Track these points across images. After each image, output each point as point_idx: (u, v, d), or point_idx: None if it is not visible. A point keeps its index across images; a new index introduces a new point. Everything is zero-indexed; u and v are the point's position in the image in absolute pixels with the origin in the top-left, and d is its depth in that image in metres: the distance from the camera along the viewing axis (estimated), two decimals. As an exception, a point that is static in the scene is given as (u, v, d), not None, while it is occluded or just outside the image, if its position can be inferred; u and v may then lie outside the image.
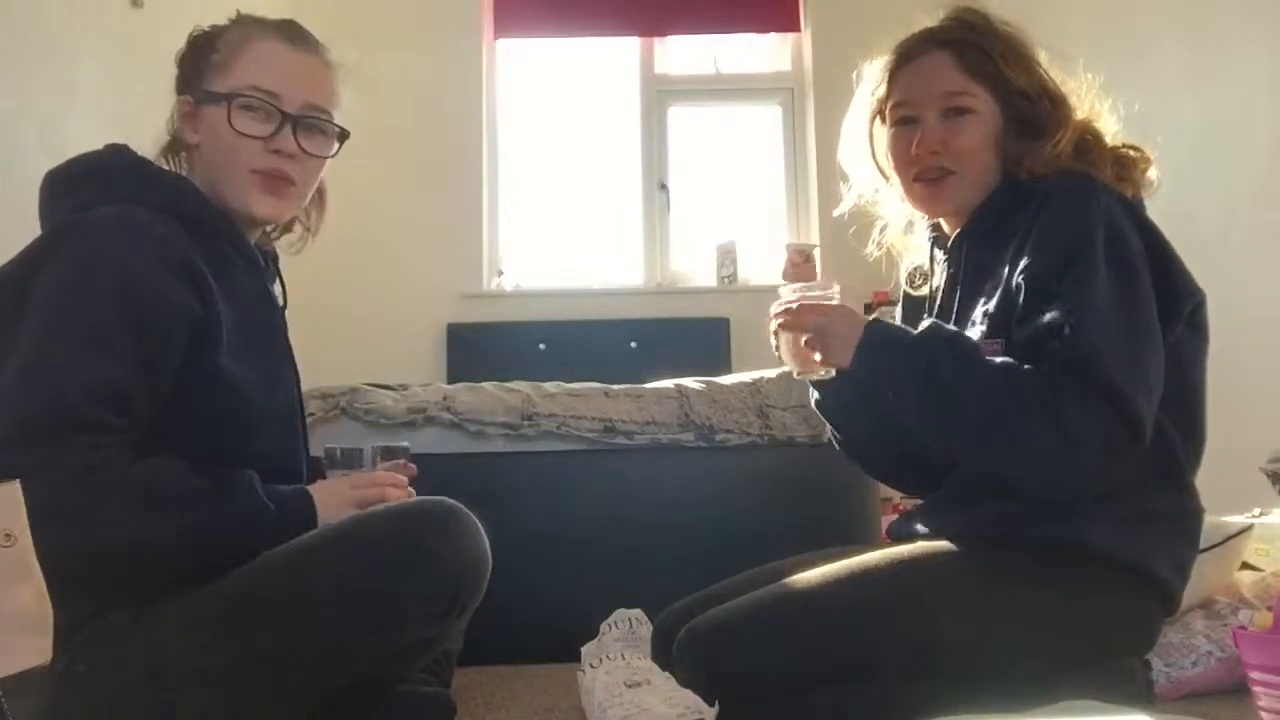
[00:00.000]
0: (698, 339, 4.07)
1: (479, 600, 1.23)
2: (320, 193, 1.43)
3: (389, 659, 1.17)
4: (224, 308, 1.21)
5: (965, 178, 1.38)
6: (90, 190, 1.22)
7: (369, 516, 1.16)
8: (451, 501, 1.20)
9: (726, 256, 4.33)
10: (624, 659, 1.50)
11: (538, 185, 4.48)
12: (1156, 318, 1.23)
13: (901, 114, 1.41)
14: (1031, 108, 1.36)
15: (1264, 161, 2.62)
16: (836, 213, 1.57)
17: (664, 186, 4.43)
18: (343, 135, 1.36)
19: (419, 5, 4.25)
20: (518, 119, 4.49)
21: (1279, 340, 2.54)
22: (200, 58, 1.31)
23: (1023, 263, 1.27)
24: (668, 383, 2.31)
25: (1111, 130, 1.40)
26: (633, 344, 4.07)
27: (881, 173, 1.49)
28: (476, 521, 1.20)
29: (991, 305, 1.31)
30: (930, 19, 1.43)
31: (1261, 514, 1.96)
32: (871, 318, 1.30)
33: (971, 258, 1.40)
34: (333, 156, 1.36)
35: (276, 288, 1.39)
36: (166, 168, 1.31)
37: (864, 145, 1.49)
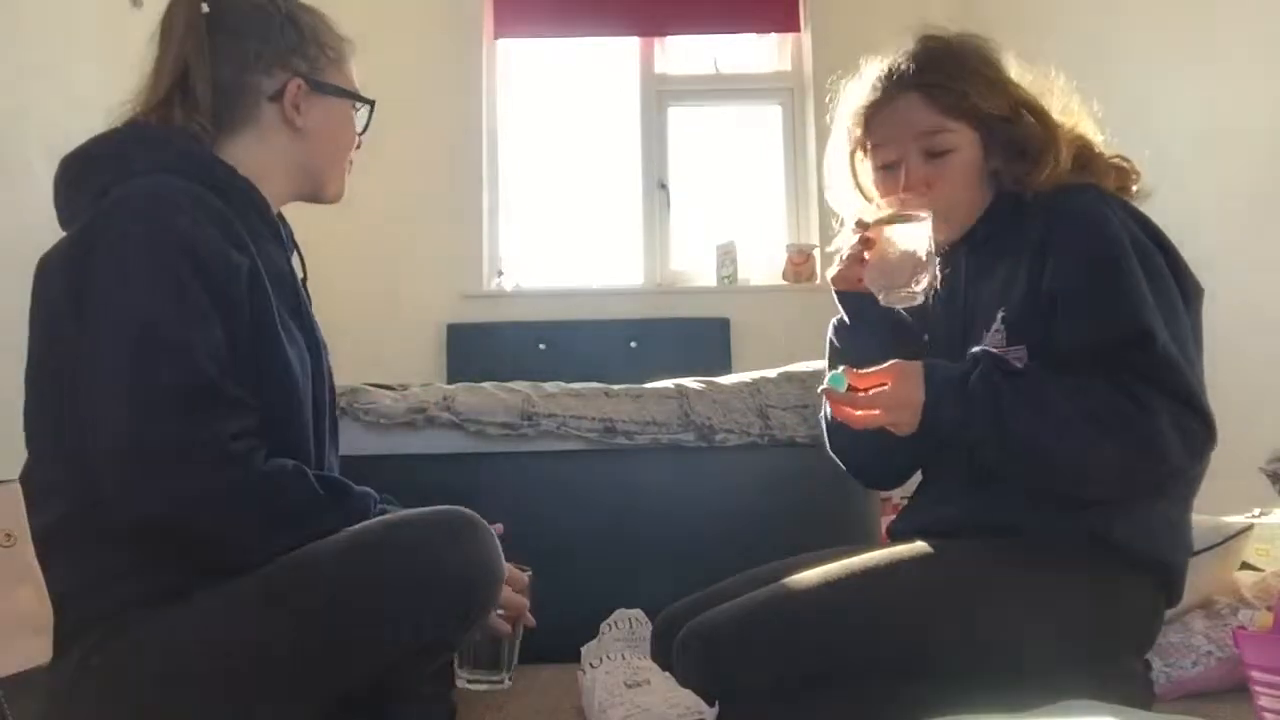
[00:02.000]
0: (698, 339, 4.07)
1: (491, 611, 1.22)
2: None
3: (397, 666, 1.17)
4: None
5: (955, 213, 1.39)
6: (116, 168, 1.21)
7: (383, 525, 1.15)
8: (468, 512, 1.19)
9: (726, 256, 4.32)
10: (624, 659, 1.50)
11: (538, 185, 4.48)
12: (1187, 316, 1.26)
13: (883, 158, 1.41)
14: (1012, 129, 1.36)
15: (1264, 161, 2.62)
16: (830, 249, 1.57)
17: (664, 186, 4.43)
18: None
19: (419, 5, 4.25)
20: (518, 119, 4.49)
21: (1279, 340, 2.54)
22: (314, 45, 1.35)
23: (1053, 277, 1.27)
24: (668, 383, 2.31)
25: (1094, 135, 1.41)
26: (633, 344, 4.07)
27: (867, 199, 1.47)
28: (491, 532, 1.19)
29: (1010, 314, 1.31)
30: (910, 42, 1.41)
31: (1261, 514, 1.96)
32: (925, 369, 1.25)
33: (971, 262, 1.41)
34: None
35: (295, 260, 1.40)
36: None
37: (848, 177, 1.49)
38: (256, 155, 1.31)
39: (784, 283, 4.27)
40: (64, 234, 1.23)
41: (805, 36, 4.42)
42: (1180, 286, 1.28)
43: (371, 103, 1.41)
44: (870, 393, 1.25)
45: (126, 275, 1.12)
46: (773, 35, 4.54)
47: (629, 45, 4.52)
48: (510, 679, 1.38)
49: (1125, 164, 1.40)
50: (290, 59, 1.33)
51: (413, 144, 3.97)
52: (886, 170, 1.41)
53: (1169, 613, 1.66)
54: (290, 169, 1.35)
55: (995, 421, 1.22)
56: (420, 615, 1.10)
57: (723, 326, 4.13)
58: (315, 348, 1.32)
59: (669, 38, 4.52)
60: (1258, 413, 2.45)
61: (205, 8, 1.29)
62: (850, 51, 1.50)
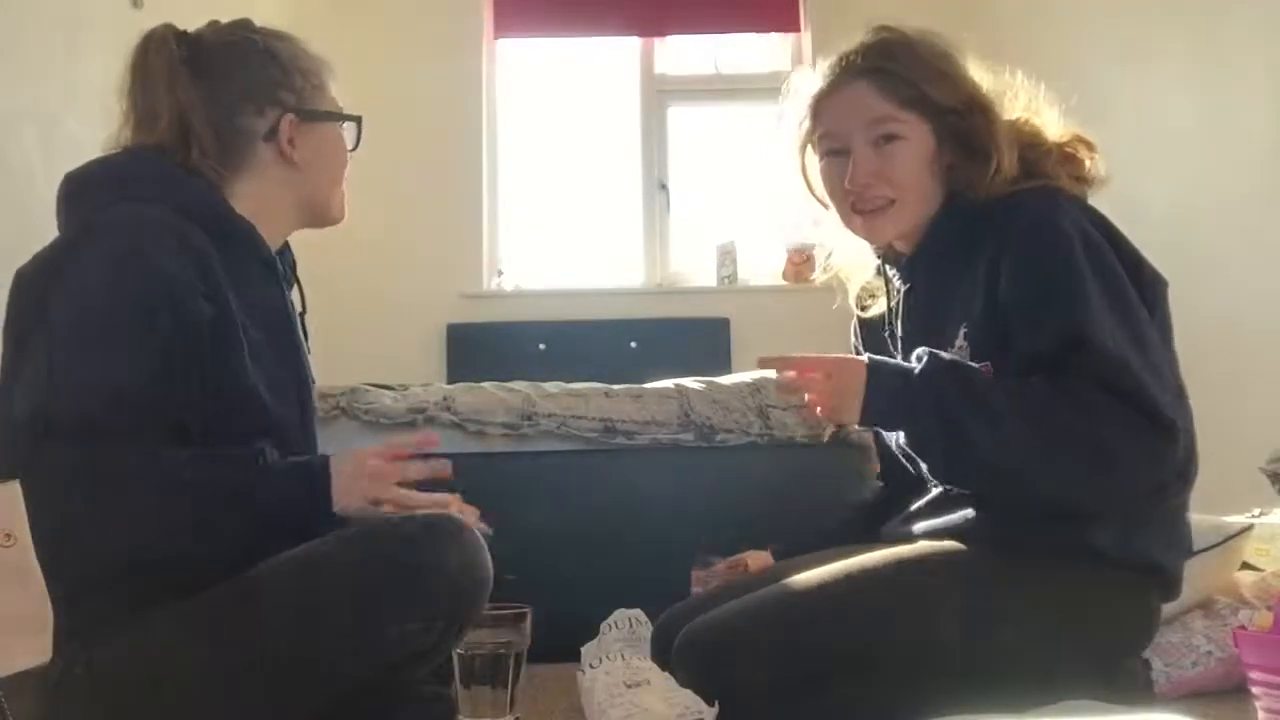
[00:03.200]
0: (698, 339, 4.07)
1: (478, 619, 1.22)
2: None
3: (388, 670, 1.16)
4: (239, 314, 1.21)
5: (906, 204, 1.35)
6: (111, 192, 1.21)
7: (373, 530, 1.15)
8: (455, 518, 1.18)
9: (726, 256, 4.33)
10: (623, 659, 1.50)
11: (538, 185, 4.48)
12: (1146, 315, 1.23)
13: (830, 145, 1.37)
14: (963, 123, 1.33)
15: (1263, 161, 2.62)
16: (789, 246, 1.56)
17: (664, 186, 4.43)
18: None
19: (419, 5, 4.25)
20: (518, 119, 4.49)
21: (1278, 340, 2.54)
22: (297, 77, 1.32)
23: (1006, 286, 1.25)
24: (668, 383, 2.32)
25: (1052, 122, 1.37)
26: (633, 344, 4.07)
27: (820, 202, 1.45)
28: (479, 538, 1.19)
29: (972, 328, 1.28)
30: (866, 34, 1.40)
31: (1261, 514, 1.96)
32: (868, 361, 1.27)
33: (929, 273, 1.38)
34: None
35: (295, 293, 1.39)
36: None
37: (798, 178, 1.45)
38: (258, 195, 1.30)
39: (784, 283, 4.26)
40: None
41: (805, 36, 4.42)
42: (1139, 282, 1.25)
43: (358, 119, 1.38)
44: (813, 356, 1.28)
45: (82, 292, 1.13)
46: (773, 35, 4.54)
47: (629, 45, 4.52)
48: None
49: (1077, 147, 1.35)
50: (278, 94, 1.30)
51: (413, 144, 3.97)
52: (834, 158, 1.36)
53: (1169, 613, 1.66)
54: (293, 203, 1.34)
55: (940, 418, 1.20)
56: (406, 621, 1.09)
57: (723, 326, 4.13)
58: (303, 382, 1.32)
59: (669, 38, 4.52)
60: (1258, 413, 2.45)
61: (176, 49, 1.27)
62: (850, 51, 1.50)
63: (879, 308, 1.50)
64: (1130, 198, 2.93)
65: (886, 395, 1.24)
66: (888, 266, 1.46)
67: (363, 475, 1.17)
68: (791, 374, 1.29)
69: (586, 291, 4.32)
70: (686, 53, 4.56)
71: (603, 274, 4.43)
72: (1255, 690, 1.33)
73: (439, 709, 1.34)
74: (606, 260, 4.47)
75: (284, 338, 1.30)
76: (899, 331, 1.42)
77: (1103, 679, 1.25)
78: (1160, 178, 2.89)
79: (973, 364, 1.25)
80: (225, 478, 1.14)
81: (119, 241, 1.15)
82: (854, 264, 1.52)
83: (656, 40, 4.51)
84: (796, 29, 4.44)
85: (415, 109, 4.06)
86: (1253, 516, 1.93)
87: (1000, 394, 1.20)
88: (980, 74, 1.38)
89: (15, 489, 0.88)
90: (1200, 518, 1.78)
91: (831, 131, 1.37)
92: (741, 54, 4.59)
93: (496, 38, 4.43)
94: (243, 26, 1.34)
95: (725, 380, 2.33)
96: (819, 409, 1.28)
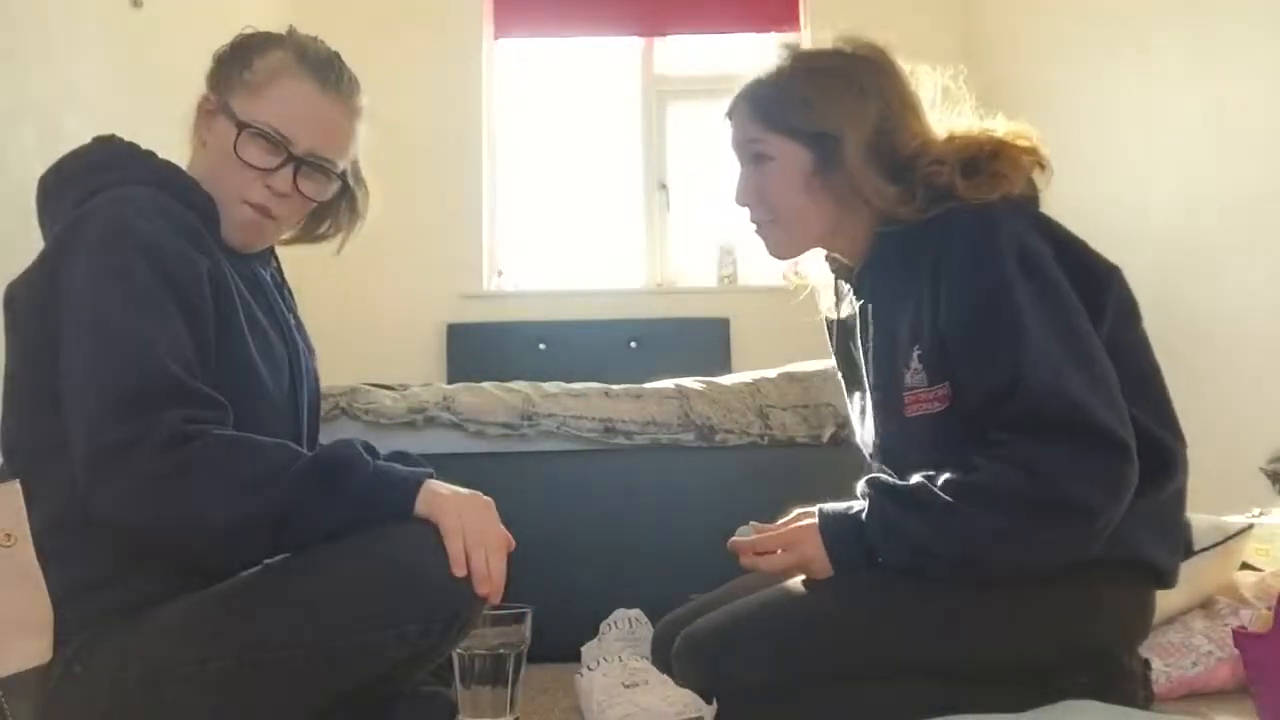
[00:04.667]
0: (698, 339, 4.07)
1: (478, 621, 1.22)
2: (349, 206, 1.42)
3: (385, 672, 1.16)
4: (231, 286, 1.23)
5: (785, 224, 1.40)
6: (86, 182, 1.23)
7: (373, 533, 1.13)
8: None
9: (726, 256, 4.33)
10: (620, 661, 1.50)
11: (538, 185, 4.48)
12: (1090, 325, 1.22)
13: (736, 161, 1.45)
14: (839, 147, 1.31)
15: (1266, 160, 2.62)
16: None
17: (664, 186, 4.43)
18: (344, 185, 1.37)
19: (419, 5, 4.25)
20: (518, 119, 4.49)
21: (1279, 341, 2.54)
22: (236, 66, 1.30)
23: (945, 318, 1.24)
24: (668, 383, 2.32)
25: (970, 127, 1.34)
26: (633, 344, 4.07)
27: None
28: None
29: (924, 351, 1.27)
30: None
31: (1261, 514, 1.96)
32: (818, 520, 1.30)
33: (876, 292, 1.38)
34: (326, 201, 1.36)
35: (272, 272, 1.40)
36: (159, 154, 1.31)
37: None
38: (193, 165, 1.32)
39: (784, 283, 4.26)
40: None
41: (805, 36, 4.42)
42: (1087, 279, 1.24)
43: (261, 132, 1.26)
44: (767, 535, 1.32)
45: (85, 278, 1.13)
46: (773, 35, 4.54)
47: (629, 45, 4.52)
48: None
49: (1021, 148, 1.32)
50: (218, 77, 1.32)
51: (413, 144, 3.97)
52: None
53: (1169, 613, 1.67)
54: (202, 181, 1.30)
55: (912, 550, 1.21)
56: (405, 622, 1.09)
57: (723, 326, 4.13)
58: (295, 352, 1.33)
59: (669, 37, 4.52)
60: (1258, 413, 2.45)
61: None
62: (850, 51, 1.49)
63: (839, 313, 1.52)
64: (1131, 197, 2.94)
65: (849, 548, 1.26)
66: (840, 282, 1.48)
67: (488, 515, 1.15)
68: (753, 559, 1.32)
69: (586, 291, 4.32)
70: (686, 53, 4.56)
71: (603, 274, 4.43)
72: (1255, 690, 1.33)
73: (439, 709, 1.34)
74: (606, 260, 4.47)
75: (269, 306, 1.32)
76: (862, 345, 1.41)
77: (1103, 679, 1.25)
78: (1161, 177, 2.89)
79: (911, 480, 1.24)
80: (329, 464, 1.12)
81: (106, 224, 1.16)
82: (816, 273, 1.55)
83: (656, 40, 4.51)
84: (796, 28, 4.44)
85: (415, 109, 4.06)
86: (1253, 516, 1.93)
87: (957, 496, 1.19)
88: (901, 88, 1.36)
89: (15, 489, 0.88)
90: (1200, 518, 1.78)
91: (731, 148, 1.45)
92: (741, 54, 4.59)
93: (496, 38, 4.43)
94: (281, 33, 1.35)
95: (725, 380, 2.33)
96: (784, 557, 1.30)
